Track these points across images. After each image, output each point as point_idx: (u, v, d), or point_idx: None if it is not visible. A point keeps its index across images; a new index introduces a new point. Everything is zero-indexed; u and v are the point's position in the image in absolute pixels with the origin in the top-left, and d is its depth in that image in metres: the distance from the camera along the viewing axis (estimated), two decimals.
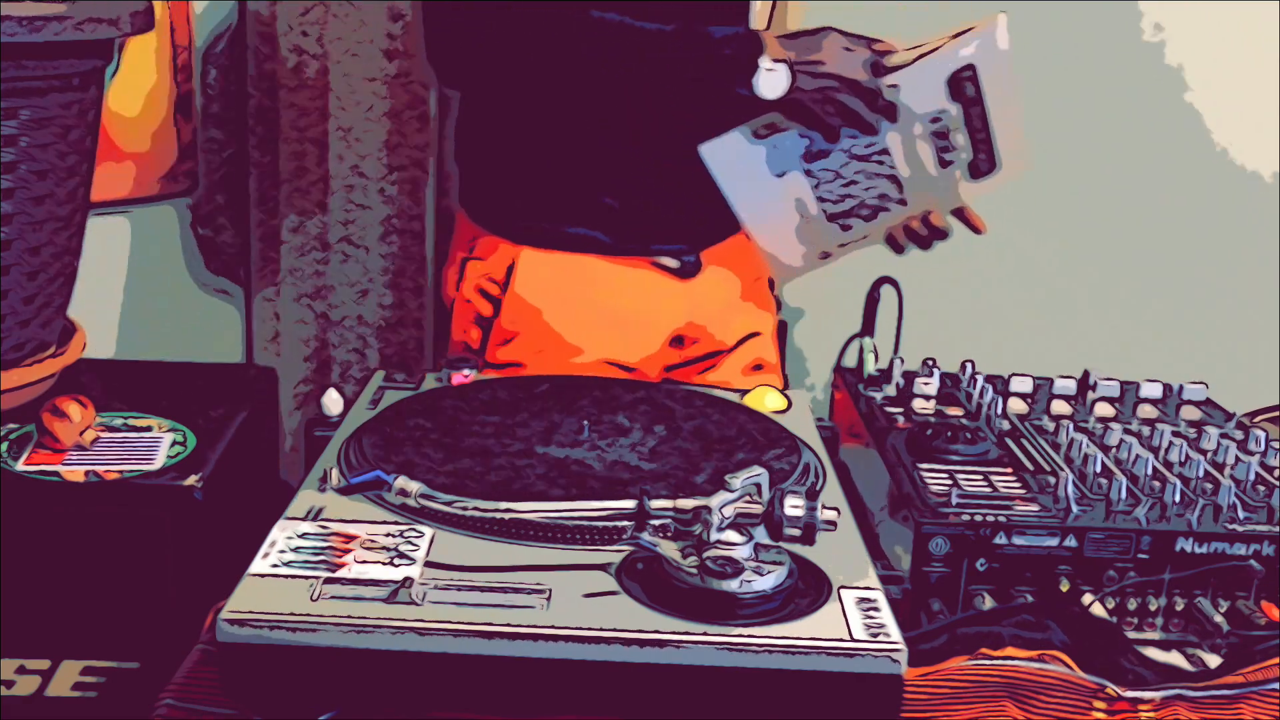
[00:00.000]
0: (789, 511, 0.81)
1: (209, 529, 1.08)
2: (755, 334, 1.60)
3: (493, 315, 1.49)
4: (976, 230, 1.44)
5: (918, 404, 1.27)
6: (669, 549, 0.80)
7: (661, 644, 0.75)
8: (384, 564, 0.81)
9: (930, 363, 1.33)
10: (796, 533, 0.81)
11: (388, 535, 0.85)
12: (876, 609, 0.79)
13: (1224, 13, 2.24)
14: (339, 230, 2.10)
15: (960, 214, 1.43)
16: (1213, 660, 0.96)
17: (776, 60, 1.30)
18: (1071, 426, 1.18)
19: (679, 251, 1.51)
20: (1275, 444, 1.18)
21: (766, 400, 1.16)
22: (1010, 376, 1.33)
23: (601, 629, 0.75)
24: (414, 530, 0.86)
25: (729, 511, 0.81)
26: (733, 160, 1.37)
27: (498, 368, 1.48)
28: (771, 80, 1.30)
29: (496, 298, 1.48)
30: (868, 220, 1.42)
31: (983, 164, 1.38)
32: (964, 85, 1.33)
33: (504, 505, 0.84)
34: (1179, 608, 1.00)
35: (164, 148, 1.99)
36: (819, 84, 1.31)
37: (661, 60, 1.33)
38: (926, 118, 1.35)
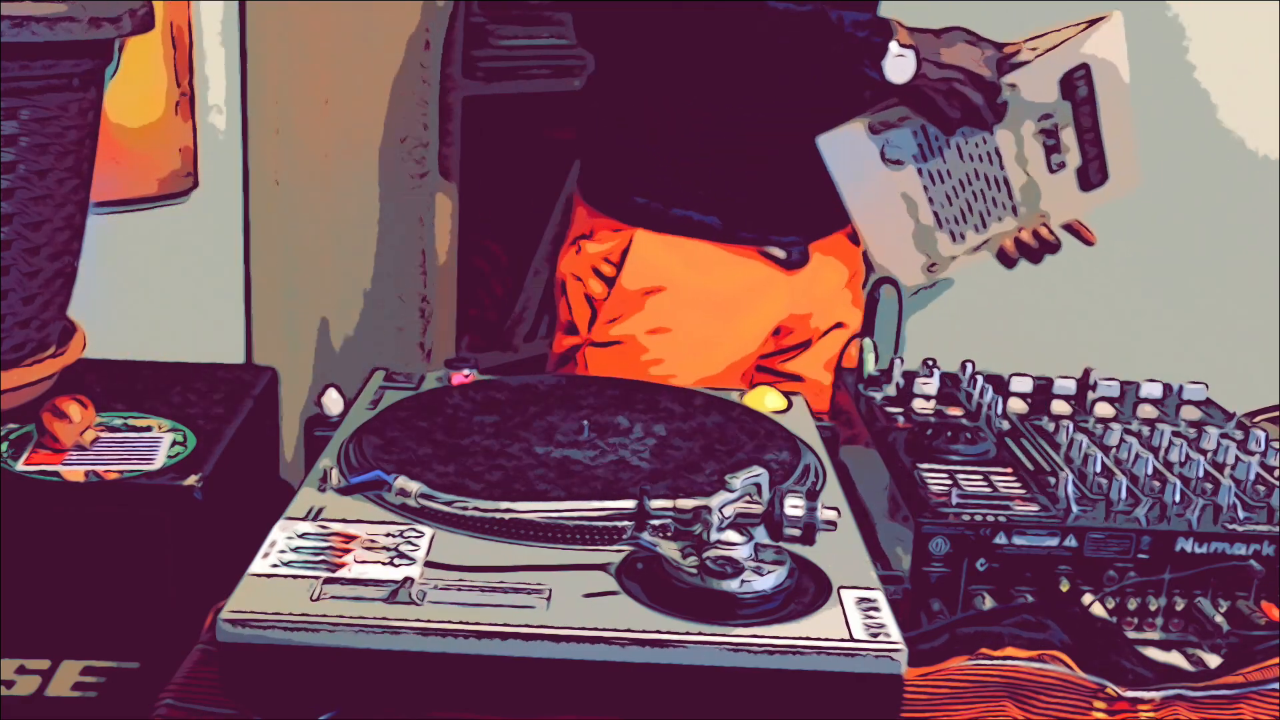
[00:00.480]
0: (789, 511, 0.81)
1: (209, 529, 1.08)
2: (840, 325, 1.64)
3: (605, 295, 1.53)
4: (1088, 243, 1.50)
5: (918, 404, 1.27)
6: (669, 549, 0.80)
7: (661, 644, 0.74)
8: (384, 564, 0.81)
9: (930, 363, 1.33)
10: (796, 533, 0.81)
11: (388, 535, 0.85)
12: (876, 609, 0.78)
13: (1228, 13, 2.24)
14: (339, 228, 2.10)
15: (1069, 227, 1.46)
16: (1213, 660, 0.96)
17: (905, 46, 1.33)
18: (1071, 426, 1.18)
19: (790, 244, 1.55)
20: (1275, 444, 1.18)
21: (766, 400, 1.16)
22: (1010, 376, 1.33)
23: (601, 629, 0.75)
24: (414, 530, 0.86)
25: (729, 511, 0.81)
26: (848, 153, 1.40)
27: (603, 346, 1.54)
28: (900, 65, 1.34)
29: (610, 278, 1.53)
30: (978, 230, 1.43)
31: (1093, 173, 1.39)
32: (1077, 85, 1.33)
33: (504, 505, 0.84)
34: (1179, 608, 1.00)
35: (164, 148, 1.99)
36: (943, 74, 1.34)
37: (797, 41, 1.36)
38: (1036, 115, 1.35)
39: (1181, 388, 1.32)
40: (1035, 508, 1.01)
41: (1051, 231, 1.46)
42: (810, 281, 1.58)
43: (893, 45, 1.33)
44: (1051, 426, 1.21)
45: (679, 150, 1.50)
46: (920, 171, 1.40)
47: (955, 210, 1.42)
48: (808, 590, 0.80)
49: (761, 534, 0.82)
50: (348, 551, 0.82)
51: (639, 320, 1.52)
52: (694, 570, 0.78)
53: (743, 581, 0.78)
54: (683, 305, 1.53)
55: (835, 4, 1.38)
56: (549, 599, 0.78)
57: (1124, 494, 1.03)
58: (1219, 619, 0.97)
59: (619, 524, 0.84)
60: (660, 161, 1.51)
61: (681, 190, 1.51)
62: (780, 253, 1.54)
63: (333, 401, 1.09)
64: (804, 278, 1.57)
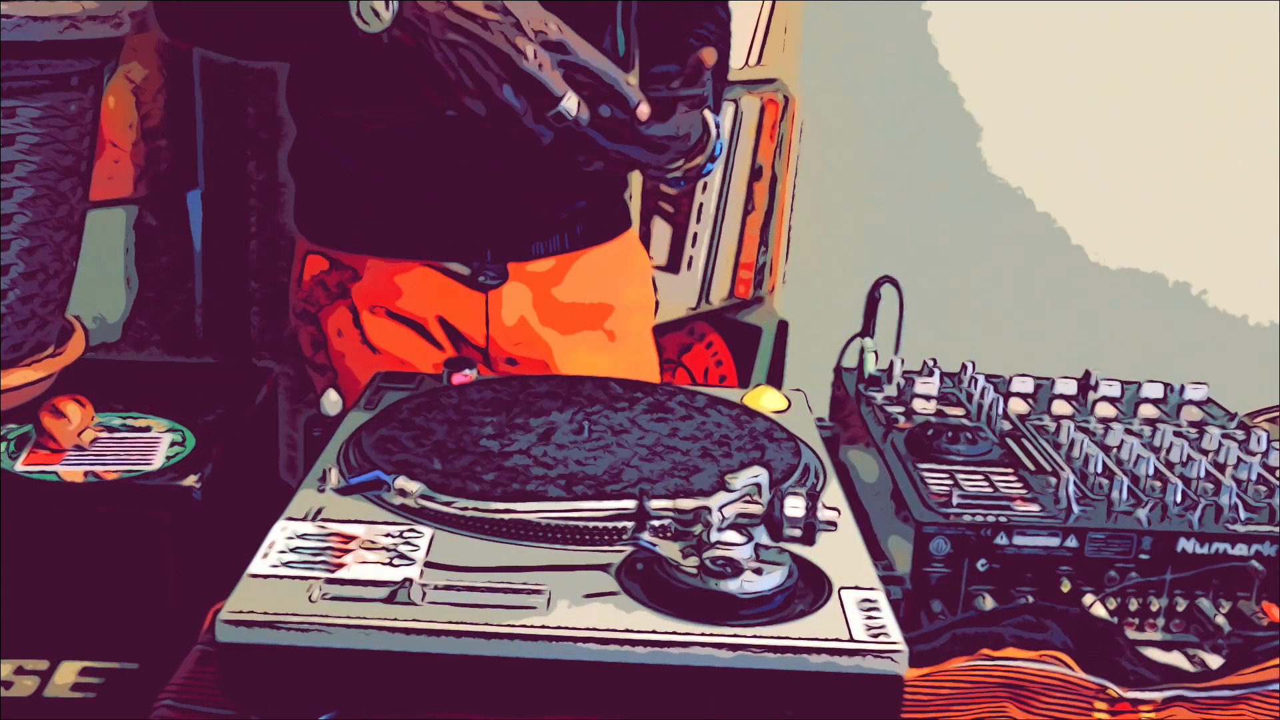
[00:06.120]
0: (789, 511, 0.81)
1: (209, 529, 1.08)
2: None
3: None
4: None
5: (918, 404, 1.27)
6: (669, 549, 0.80)
7: (661, 644, 0.74)
8: (384, 564, 0.81)
9: (930, 363, 1.33)
10: (797, 533, 0.81)
11: (387, 535, 0.85)
12: (877, 609, 0.78)
13: (1227, 12, 2.24)
14: None
15: None
16: (1214, 661, 0.96)
17: None
18: (1072, 426, 1.18)
19: (477, 262, 1.43)
20: (1277, 444, 1.18)
21: (766, 400, 1.16)
22: (1011, 377, 1.33)
23: (601, 629, 0.75)
24: (414, 530, 0.86)
25: (729, 511, 0.81)
26: None
27: (318, 371, 1.49)
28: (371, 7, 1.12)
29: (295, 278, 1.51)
30: None
31: None
32: None
33: (504, 505, 0.84)
34: (1180, 608, 1.00)
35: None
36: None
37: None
38: None
39: (1182, 388, 1.32)
40: (1036, 508, 1.01)
41: None
42: (508, 307, 1.45)
43: None
44: (1052, 426, 1.21)
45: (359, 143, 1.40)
46: None
47: None
48: (808, 591, 0.80)
49: (762, 534, 0.82)
50: (347, 552, 0.82)
51: (348, 340, 1.44)
52: (694, 570, 0.78)
53: (743, 582, 0.78)
54: (365, 321, 1.43)
55: None
56: (549, 599, 0.78)
57: (1125, 494, 1.03)
58: (1220, 620, 0.97)
59: (619, 524, 0.84)
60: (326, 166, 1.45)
61: (350, 206, 1.43)
62: (463, 269, 1.42)
63: (332, 402, 1.09)
64: (510, 301, 1.45)
